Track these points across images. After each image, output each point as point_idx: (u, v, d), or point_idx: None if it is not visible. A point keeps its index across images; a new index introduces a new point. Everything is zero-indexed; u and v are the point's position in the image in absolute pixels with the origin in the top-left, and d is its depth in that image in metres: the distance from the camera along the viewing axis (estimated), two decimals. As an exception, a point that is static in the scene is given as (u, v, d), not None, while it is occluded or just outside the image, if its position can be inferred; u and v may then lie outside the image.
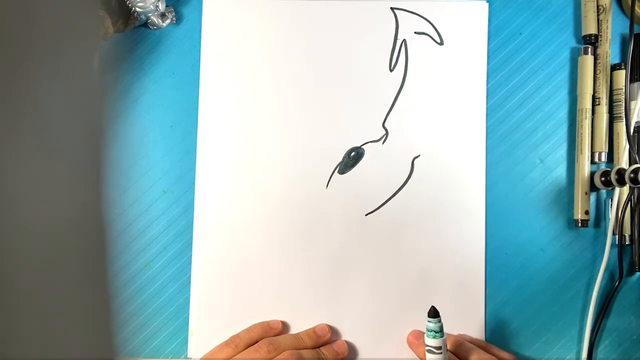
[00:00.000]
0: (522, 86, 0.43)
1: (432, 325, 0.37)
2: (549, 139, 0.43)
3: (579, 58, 0.42)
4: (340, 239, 0.41)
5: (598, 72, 0.42)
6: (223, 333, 0.40)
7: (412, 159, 0.42)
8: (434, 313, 0.37)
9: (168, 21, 0.42)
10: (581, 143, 0.42)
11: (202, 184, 0.41)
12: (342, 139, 0.42)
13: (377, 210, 0.41)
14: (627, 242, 0.42)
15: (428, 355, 0.36)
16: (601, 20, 0.42)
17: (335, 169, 0.42)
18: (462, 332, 0.41)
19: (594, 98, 0.42)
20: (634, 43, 0.41)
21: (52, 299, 0.13)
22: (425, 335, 0.37)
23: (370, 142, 0.42)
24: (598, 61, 0.42)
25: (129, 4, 0.39)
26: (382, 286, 0.41)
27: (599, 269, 0.42)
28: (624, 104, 0.41)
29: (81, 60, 0.13)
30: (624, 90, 0.41)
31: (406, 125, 0.42)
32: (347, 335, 0.41)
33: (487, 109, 0.42)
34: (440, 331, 0.36)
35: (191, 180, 0.42)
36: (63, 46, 0.13)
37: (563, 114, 0.43)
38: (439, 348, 0.36)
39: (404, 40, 0.42)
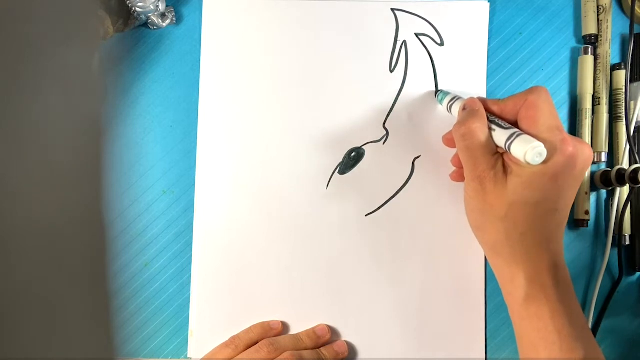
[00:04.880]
0: (522, 86, 0.43)
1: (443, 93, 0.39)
2: (549, 139, 0.43)
3: (579, 58, 0.42)
4: (340, 239, 0.41)
5: (598, 72, 0.42)
6: (223, 333, 0.40)
7: (412, 160, 0.42)
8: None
9: (168, 21, 0.42)
10: (581, 143, 0.42)
11: (202, 184, 0.41)
12: (342, 139, 0.42)
13: (378, 211, 0.41)
14: (627, 242, 0.42)
15: (499, 133, 0.34)
16: (601, 20, 0.42)
17: (336, 169, 0.42)
18: (462, 334, 0.41)
19: (594, 98, 0.42)
20: (634, 43, 0.41)
21: (52, 299, 0.13)
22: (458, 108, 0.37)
23: (371, 142, 0.42)
24: (598, 61, 0.42)
25: (129, 4, 0.39)
26: (382, 286, 0.41)
27: (599, 269, 0.42)
28: (624, 104, 0.41)
29: (81, 60, 0.13)
30: (624, 90, 0.41)
31: (406, 126, 0.42)
32: (347, 335, 0.41)
33: (487, 109, 0.42)
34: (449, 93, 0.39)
35: (191, 180, 0.42)
36: (63, 46, 0.13)
37: (563, 114, 0.43)
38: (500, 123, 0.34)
39: (404, 42, 0.42)
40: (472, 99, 0.36)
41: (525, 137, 0.32)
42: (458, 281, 0.41)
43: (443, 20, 0.42)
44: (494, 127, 0.34)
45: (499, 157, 0.34)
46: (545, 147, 0.31)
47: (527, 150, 0.31)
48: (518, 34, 0.43)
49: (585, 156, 0.33)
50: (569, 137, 0.32)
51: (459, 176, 0.40)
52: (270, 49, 0.42)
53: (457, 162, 0.40)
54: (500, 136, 0.33)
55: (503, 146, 0.33)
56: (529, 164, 0.31)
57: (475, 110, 0.35)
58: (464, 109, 0.36)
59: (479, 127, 0.34)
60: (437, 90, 0.42)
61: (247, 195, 0.41)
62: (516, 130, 0.33)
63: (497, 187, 0.33)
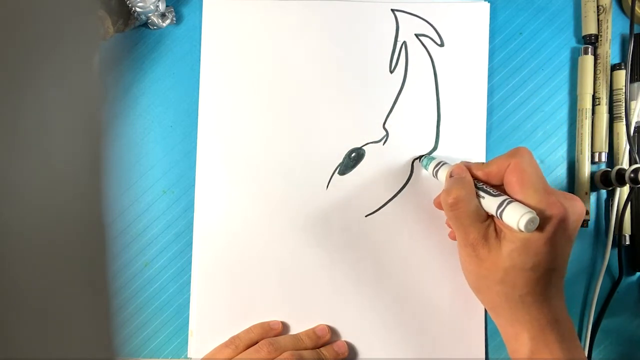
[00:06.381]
0: (522, 86, 0.43)
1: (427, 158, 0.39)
2: (549, 139, 0.43)
3: (579, 58, 0.43)
4: (340, 239, 0.41)
5: (598, 72, 0.42)
6: (223, 333, 0.40)
7: (412, 160, 0.42)
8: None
9: (168, 21, 0.42)
10: (581, 143, 0.42)
11: (202, 184, 0.41)
12: (342, 139, 0.42)
13: (377, 212, 0.41)
14: (627, 242, 0.42)
15: (488, 200, 0.33)
16: (601, 20, 0.42)
17: (336, 169, 0.42)
18: (462, 332, 0.41)
19: (594, 98, 0.42)
20: (634, 43, 0.41)
21: (52, 299, 0.13)
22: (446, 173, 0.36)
23: (371, 142, 0.42)
24: (598, 61, 0.42)
25: (129, 4, 0.39)
26: (382, 286, 0.41)
27: (599, 269, 0.42)
28: (624, 104, 0.41)
29: (81, 60, 0.13)
30: (624, 90, 0.41)
31: (406, 127, 0.42)
32: (347, 335, 0.41)
33: (487, 109, 0.42)
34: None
35: (191, 180, 0.42)
36: (63, 46, 0.13)
37: (563, 114, 0.43)
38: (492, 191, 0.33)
39: (404, 42, 0.42)
40: (458, 166, 0.36)
41: (515, 205, 0.31)
42: (458, 281, 0.41)
43: (443, 21, 0.42)
44: (482, 194, 0.34)
45: (490, 222, 0.33)
46: (536, 213, 0.30)
47: (519, 220, 0.30)
48: (518, 34, 0.43)
49: (577, 213, 0.32)
50: (558, 198, 0.32)
51: (454, 237, 0.40)
52: (270, 49, 0.42)
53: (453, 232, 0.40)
54: (489, 203, 0.33)
55: (494, 213, 0.32)
56: (522, 231, 0.30)
57: (462, 177, 0.34)
58: (450, 176, 0.35)
59: (467, 196, 0.33)
60: (421, 156, 0.41)
61: (246, 195, 0.41)
62: (505, 197, 0.32)
63: (492, 254, 0.33)
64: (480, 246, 0.33)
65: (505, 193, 0.33)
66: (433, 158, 0.40)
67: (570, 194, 0.34)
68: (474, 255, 0.33)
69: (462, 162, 0.36)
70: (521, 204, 0.31)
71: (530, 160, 0.33)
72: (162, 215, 0.42)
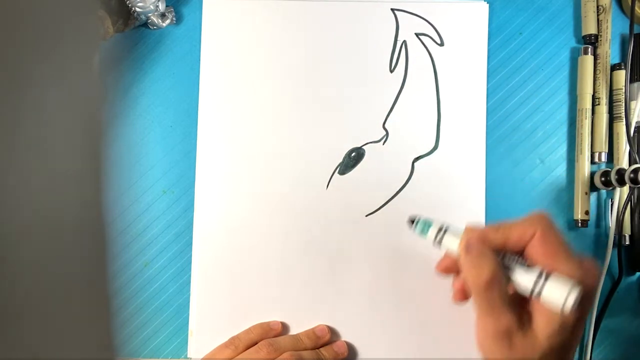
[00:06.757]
0: (522, 86, 0.43)
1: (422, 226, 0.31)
2: (549, 139, 0.43)
3: (579, 58, 0.42)
4: (340, 239, 0.41)
5: (598, 72, 0.42)
6: (223, 333, 0.40)
7: (412, 160, 0.42)
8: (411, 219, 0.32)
9: (168, 21, 0.42)
10: (581, 143, 0.42)
11: (202, 184, 0.41)
12: (342, 139, 0.42)
13: (378, 211, 0.41)
14: (627, 242, 0.42)
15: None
16: (601, 20, 0.42)
17: (336, 169, 0.42)
18: (462, 334, 0.41)
19: (594, 98, 0.42)
20: (634, 43, 0.41)
21: (52, 298, 0.13)
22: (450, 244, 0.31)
23: (371, 142, 0.42)
24: (598, 61, 0.42)
25: (129, 4, 0.39)
26: (382, 287, 0.41)
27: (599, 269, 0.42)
28: (624, 104, 0.41)
29: (81, 60, 0.13)
30: (624, 90, 0.41)
31: (406, 126, 0.42)
32: (346, 335, 0.41)
33: (487, 109, 0.42)
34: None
35: (191, 180, 0.42)
36: (63, 46, 0.13)
37: (563, 114, 0.43)
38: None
39: (404, 42, 0.42)
40: (473, 233, 0.30)
41: (556, 278, 0.27)
42: (458, 281, 0.41)
43: (443, 20, 0.42)
44: (514, 266, 0.28)
45: (518, 300, 0.29)
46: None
47: (567, 297, 0.26)
48: (518, 34, 0.43)
49: (598, 277, 0.30)
50: (590, 264, 0.28)
51: (463, 298, 0.35)
52: (270, 49, 0.42)
53: (462, 294, 0.35)
54: (523, 278, 0.28)
55: (527, 290, 0.28)
56: (563, 310, 0.26)
57: (486, 252, 0.29)
58: (466, 250, 0.29)
59: (500, 273, 0.28)
60: (412, 220, 0.34)
61: (247, 195, 0.41)
62: (539, 268, 0.28)
63: (527, 339, 0.28)
64: (515, 331, 0.28)
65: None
66: (430, 222, 0.33)
67: (582, 255, 0.29)
68: (507, 343, 0.28)
69: (471, 227, 0.31)
70: (561, 276, 0.27)
71: (556, 226, 0.29)
72: (162, 215, 0.42)
